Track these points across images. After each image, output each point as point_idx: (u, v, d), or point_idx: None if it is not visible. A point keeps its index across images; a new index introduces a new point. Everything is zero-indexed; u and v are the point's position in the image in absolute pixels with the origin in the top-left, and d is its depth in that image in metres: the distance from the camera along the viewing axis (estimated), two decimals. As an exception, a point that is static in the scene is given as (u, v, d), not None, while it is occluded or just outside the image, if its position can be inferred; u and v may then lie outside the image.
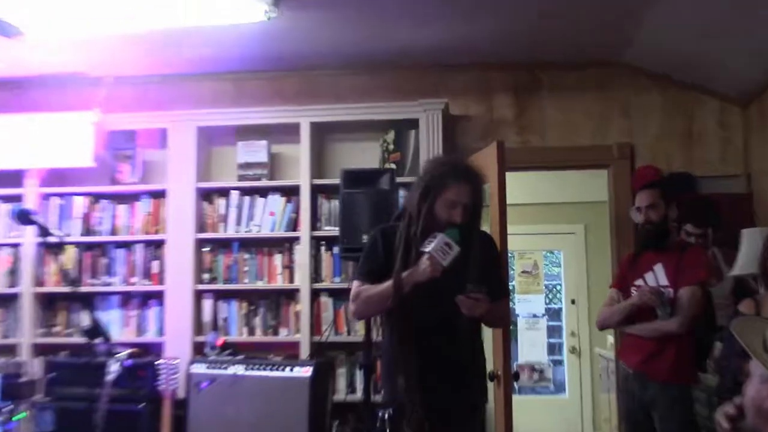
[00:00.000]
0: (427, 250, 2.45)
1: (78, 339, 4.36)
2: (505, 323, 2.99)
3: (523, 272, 7.41)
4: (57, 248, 4.52)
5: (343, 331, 4.32)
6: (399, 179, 4.14)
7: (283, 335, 4.40)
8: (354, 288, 2.63)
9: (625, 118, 4.54)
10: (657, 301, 3.29)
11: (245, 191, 4.50)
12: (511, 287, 7.27)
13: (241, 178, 4.52)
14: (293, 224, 4.43)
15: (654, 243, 3.46)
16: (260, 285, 4.43)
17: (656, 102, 4.52)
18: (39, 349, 4.45)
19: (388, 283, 2.51)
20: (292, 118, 4.45)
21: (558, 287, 7.70)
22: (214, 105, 4.70)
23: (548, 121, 4.59)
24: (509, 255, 7.31)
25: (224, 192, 4.51)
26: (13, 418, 3.50)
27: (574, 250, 7.20)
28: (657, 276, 3.42)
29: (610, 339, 5.03)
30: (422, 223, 2.52)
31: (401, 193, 4.21)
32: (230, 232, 4.47)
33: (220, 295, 4.48)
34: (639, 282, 3.47)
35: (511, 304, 7.22)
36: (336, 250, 4.29)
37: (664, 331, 3.30)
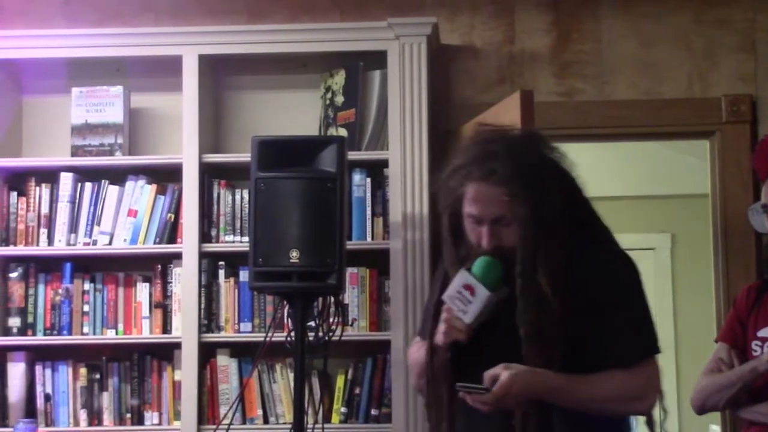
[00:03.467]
0: (444, 296, 2.55)
1: None
2: (634, 408, 2.72)
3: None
4: None
5: (257, 415, 4.34)
6: (353, 155, 4.15)
7: (152, 423, 4.39)
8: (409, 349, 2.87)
9: (746, 53, 4.55)
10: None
11: (85, 175, 4.51)
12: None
13: (79, 151, 4.50)
14: (170, 232, 4.43)
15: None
16: (111, 337, 4.44)
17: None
18: None
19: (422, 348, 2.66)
20: (167, 48, 4.44)
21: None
22: (25, 21, 4.66)
23: (610, 57, 4.60)
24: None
25: (48, 176, 4.51)
26: None
27: (652, 274, 7.18)
28: (798, 323, 3.44)
29: (716, 430, 5.04)
30: (450, 253, 2.63)
31: (356, 178, 4.27)
32: (58, 245, 4.47)
33: (40, 356, 4.48)
34: (766, 332, 3.42)
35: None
36: (244, 275, 4.31)
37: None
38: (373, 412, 4.25)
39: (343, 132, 4.37)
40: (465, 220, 2.57)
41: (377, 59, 4.37)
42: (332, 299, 3.92)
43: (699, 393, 3.49)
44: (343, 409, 4.25)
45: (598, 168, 6.62)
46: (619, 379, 2.54)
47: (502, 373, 2.45)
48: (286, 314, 3.99)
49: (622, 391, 2.57)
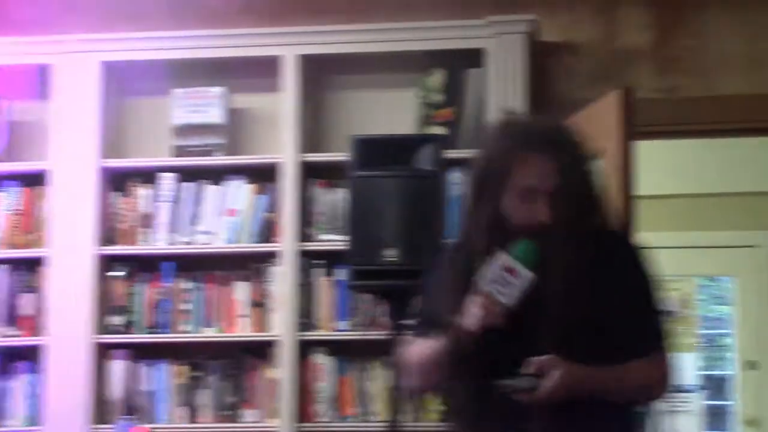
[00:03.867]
0: (478, 281, 2.52)
1: None
2: (652, 396, 2.85)
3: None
4: None
5: (353, 413, 4.40)
6: (451, 153, 4.15)
7: (249, 420, 4.47)
8: (405, 348, 2.78)
9: None
10: None
11: (186, 174, 4.57)
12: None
13: (180, 151, 4.59)
14: (268, 231, 4.49)
15: None
16: (210, 335, 4.51)
17: None
18: None
19: (441, 339, 2.61)
20: (267, 49, 4.52)
21: (725, 340, 7.61)
22: (132, 26, 4.73)
23: (715, 52, 4.57)
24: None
25: (149, 175, 4.59)
26: None
27: (755, 276, 7.19)
28: None
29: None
30: (482, 237, 2.62)
31: (454, 177, 4.26)
32: (159, 244, 4.55)
33: (141, 353, 4.55)
34: None
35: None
36: (341, 274, 4.36)
37: None
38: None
39: (440, 130, 4.38)
40: (512, 198, 2.56)
41: (476, 57, 4.38)
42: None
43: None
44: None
45: (700, 164, 6.63)
46: (642, 367, 2.61)
47: (551, 368, 2.45)
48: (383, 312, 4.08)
49: (645, 380, 2.65)
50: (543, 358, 2.48)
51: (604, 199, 2.72)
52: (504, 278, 2.48)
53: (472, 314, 2.51)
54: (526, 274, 2.48)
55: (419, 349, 2.69)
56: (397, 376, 2.88)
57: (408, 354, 2.73)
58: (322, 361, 4.40)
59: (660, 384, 2.75)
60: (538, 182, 2.55)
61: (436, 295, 2.72)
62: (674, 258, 7.13)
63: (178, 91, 4.60)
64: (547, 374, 2.47)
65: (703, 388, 7.44)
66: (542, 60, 4.57)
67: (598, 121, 3.91)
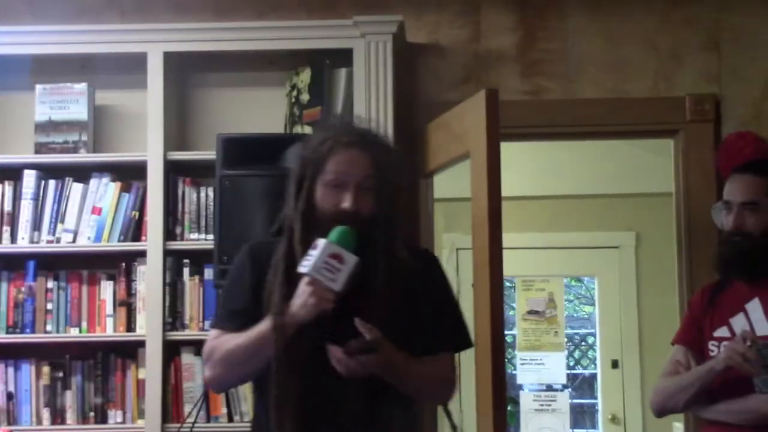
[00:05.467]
0: (304, 270, 2.63)
1: None
2: (440, 394, 3.09)
3: (529, 313, 7.50)
4: None
5: (221, 413, 4.39)
6: None
7: (115, 422, 4.43)
8: (209, 341, 2.85)
9: (710, 52, 4.64)
10: (754, 362, 3.29)
11: (48, 172, 4.54)
12: (509, 338, 7.40)
13: (43, 148, 4.54)
14: (135, 230, 4.48)
15: (747, 267, 3.51)
16: (75, 335, 4.47)
17: (765, 21, 4.64)
18: None
19: (259, 328, 2.72)
20: (132, 45, 4.49)
21: (590, 340, 7.79)
22: None
23: (576, 56, 4.66)
24: (506, 283, 7.38)
25: (11, 172, 4.54)
26: None
27: (617, 276, 7.37)
28: (752, 320, 3.46)
29: (679, 427, 5.09)
30: (301, 227, 2.77)
31: None
32: (21, 242, 4.50)
33: (3, 354, 4.50)
34: (722, 332, 3.51)
35: (510, 367, 7.40)
36: (209, 273, 4.36)
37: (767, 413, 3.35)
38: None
39: (308, 130, 4.36)
40: (323, 188, 2.75)
41: (343, 57, 4.39)
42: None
43: (658, 395, 3.55)
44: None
45: (563, 166, 6.73)
46: (439, 364, 2.86)
47: (381, 338, 2.62)
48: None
49: (436, 375, 2.88)
50: (369, 325, 2.63)
51: (403, 210, 2.98)
52: (330, 264, 2.59)
53: (304, 302, 2.64)
54: (350, 259, 2.60)
55: (236, 341, 2.77)
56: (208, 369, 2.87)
57: (222, 346, 2.79)
58: (190, 361, 4.39)
59: (445, 386, 2.99)
60: (346, 171, 2.75)
61: (256, 287, 2.81)
62: (540, 258, 7.30)
63: (41, 87, 4.55)
64: (379, 341, 2.63)
65: (569, 387, 7.60)
66: (409, 61, 4.62)
67: (464, 122, 3.99)
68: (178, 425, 4.28)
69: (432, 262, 3.03)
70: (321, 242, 2.61)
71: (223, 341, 2.79)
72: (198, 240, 4.41)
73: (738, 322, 3.48)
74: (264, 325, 2.71)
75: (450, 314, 2.97)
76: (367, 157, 2.78)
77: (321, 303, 2.62)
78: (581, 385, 7.80)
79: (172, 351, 4.39)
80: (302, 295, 2.64)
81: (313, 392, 2.72)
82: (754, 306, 3.48)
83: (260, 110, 4.60)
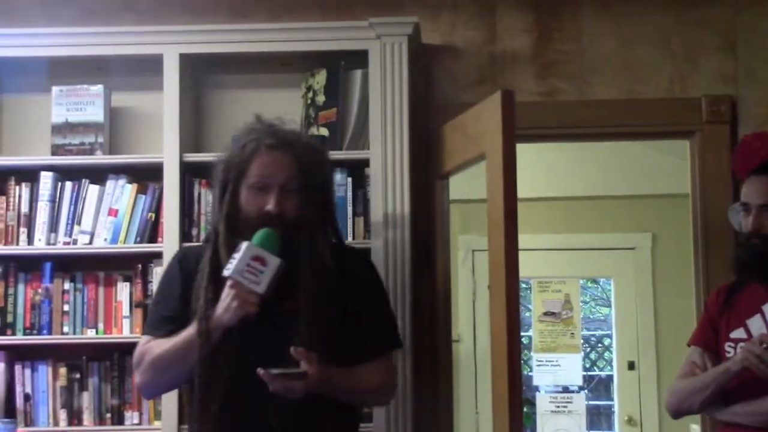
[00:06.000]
0: (227, 273, 2.66)
1: None
2: (380, 399, 3.21)
3: (545, 314, 7.50)
4: None
5: None
6: (335, 154, 4.17)
7: (132, 423, 4.46)
8: (138, 347, 2.90)
9: (726, 53, 4.66)
10: (769, 364, 3.34)
11: (65, 173, 4.54)
12: (525, 340, 7.41)
13: (59, 150, 4.55)
14: (151, 231, 4.49)
15: (765, 269, 3.53)
16: (92, 337, 4.48)
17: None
18: None
19: (185, 333, 2.76)
20: (148, 47, 4.50)
21: (606, 341, 7.77)
22: (9, 22, 4.70)
23: (591, 57, 4.68)
24: (522, 284, 7.37)
25: (27, 175, 4.55)
26: None
27: (633, 277, 7.38)
28: (769, 322, 3.48)
29: (696, 429, 5.17)
30: (226, 231, 2.81)
31: (337, 178, 4.33)
32: (38, 244, 4.51)
33: (19, 355, 4.51)
34: (738, 333, 3.53)
35: (526, 369, 7.41)
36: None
37: (783, 416, 3.37)
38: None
39: (324, 131, 4.41)
40: (247, 191, 2.79)
41: (358, 59, 4.40)
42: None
43: (674, 396, 3.58)
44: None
45: (579, 168, 6.75)
46: (376, 370, 2.91)
47: (313, 360, 2.66)
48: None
49: (376, 384, 2.94)
50: (304, 350, 2.67)
51: (334, 211, 3.01)
52: (253, 267, 2.62)
53: (227, 306, 2.68)
54: (273, 261, 2.63)
55: (164, 346, 2.83)
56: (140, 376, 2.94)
57: (151, 352, 2.84)
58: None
59: (387, 389, 3.07)
60: (270, 174, 2.80)
61: (185, 293, 2.88)
62: (556, 260, 7.30)
63: (57, 89, 4.57)
64: (308, 364, 2.67)
65: (586, 388, 7.59)
66: (425, 62, 4.64)
67: (480, 123, 4.00)
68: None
69: (361, 262, 3.07)
70: (244, 245, 2.63)
71: (152, 347, 2.84)
72: (214, 241, 4.43)
73: (755, 324, 3.49)
74: (190, 330, 2.75)
75: (381, 316, 3.01)
76: (290, 158, 2.82)
77: (244, 306, 2.65)
78: (597, 386, 7.80)
79: None
80: (226, 299, 2.68)
81: (239, 397, 2.74)
82: (771, 308, 3.47)
83: (275, 112, 4.39)
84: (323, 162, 2.96)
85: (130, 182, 4.50)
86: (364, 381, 2.88)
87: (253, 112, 3.13)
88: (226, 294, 2.69)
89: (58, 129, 4.55)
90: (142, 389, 2.95)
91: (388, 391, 3.11)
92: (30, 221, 4.50)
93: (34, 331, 4.47)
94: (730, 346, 3.51)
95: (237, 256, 2.64)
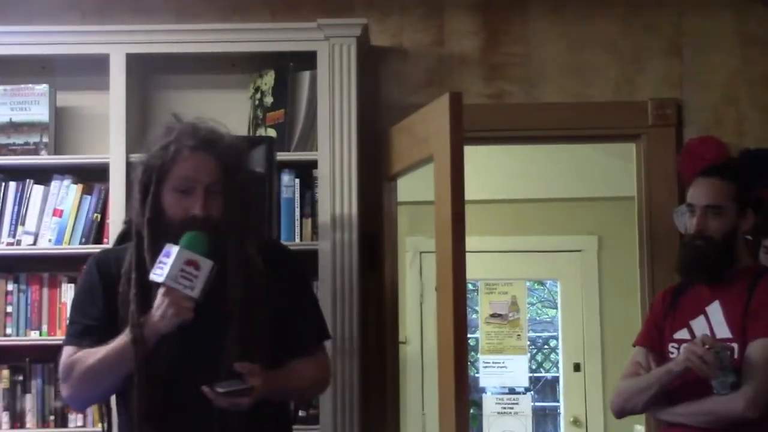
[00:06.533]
0: (159, 279, 2.58)
1: None
2: (318, 391, 3.24)
3: (492, 316, 7.52)
4: None
5: None
6: (282, 156, 4.21)
7: (76, 426, 4.44)
8: (64, 359, 2.80)
9: (672, 57, 4.71)
10: (711, 365, 3.33)
11: (9, 173, 4.52)
12: (472, 341, 7.43)
13: (2, 150, 4.53)
14: (97, 232, 4.46)
15: (708, 270, 3.55)
16: (35, 338, 4.46)
17: (726, 27, 4.71)
18: None
19: (118, 342, 2.69)
20: (94, 46, 4.48)
21: (552, 343, 7.81)
22: None
23: (539, 60, 4.70)
24: (469, 286, 7.38)
25: None
26: None
27: (579, 279, 7.41)
28: (712, 323, 3.51)
29: (640, 430, 5.17)
30: (150, 235, 2.74)
31: (285, 179, 4.33)
32: None
33: None
34: (682, 334, 3.55)
35: (473, 370, 7.42)
36: None
37: (725, 415, 3.38)
38: (301, 413, 4.19)
39: (272, 133, 4.40)
40: (170, 194, 2.74)
41: (307, 60, 4.41)
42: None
43: (618, 397, 3.57)
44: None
45: (527, 170, 6.76)
46: (309, 367, 2.88)
47: (256, 373, 2.63)
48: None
49: (315, 378, 2.94)
50: (248, 364, 2.63)
51: (261, 208, 3.02)
52: (186, 272, 2.56)
53: (163, 314, 2.62)
54: (206, 264, 2.57)
55: (95, 356, 2.73)
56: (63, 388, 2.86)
57: (80, 363, 2.75)
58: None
59: (324, 381, 3.08)
60: (194, 176, 2.72)
61: (107, 300, 2.79)
62: (503, 262, 7.32)
63: (1, 88, 4.54)
64: (253, 378, 2.63)
65: (532, 390, 7.61)
66: (373, 64, 4.64)
67: (428, 125, 4.02)
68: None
69: (285, 256, 3.03)
70: (174, 249, 2.58)
71: (80, 358, 2.74)
72: (161, 243, 4.41)
73: (698, 325, 3.52)
74: (122, 339, 2.67)
75: (309, 308, 2.98)
76: (213, 159, 2.75)
77: (181, 312, 2.61)
78: (543, 388, 7.83)
79: None
80: (161, 306, 2.62)
81: (179, 404, 2.70)
82: (714, 309, 3.51)
83: (223, 113, 4.33)
84: (245, 160, 2.93)
85: (75, 183, 4.47)
86: (303, 377, 2.86)
87: (171, 112, 3.03)
88: (161, 301, 2.63)
89: (2, 128, 4.52)
90: (73, 402, 2.91)
91: (325, 384, 3.12)
92: (-29, 222, 4.45)
93: (-24, 334, 4.41)
94: (673, 347, 3.54)
95: (167, 260, 2.58)
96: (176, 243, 2.61)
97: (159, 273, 2.57)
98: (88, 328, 2.79)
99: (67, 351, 2.80)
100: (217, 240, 2.69)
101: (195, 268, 2.56)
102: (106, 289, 2.79)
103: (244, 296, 2.71)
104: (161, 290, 2.60)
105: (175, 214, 2.71)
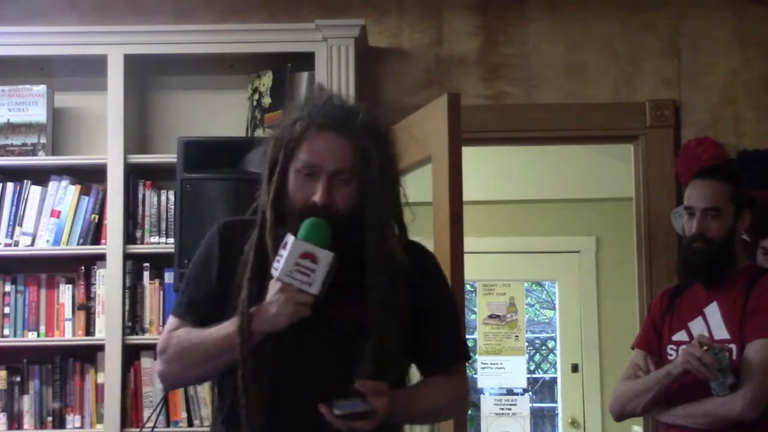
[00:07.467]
0: (275, 273, 2.34)
1: None
2: (458, 412, 2.85)
3: (490, 317, 7.53)
4: None
5: (181, 418, 4.39)
6: None
7: (74, 427, 4.42)
8: (165, 331, 2.54)
9: (670, 58, 4.73)
10: (710, 366, 3.33)
11: (6, 174, 4.53)
12: (470, 342, 7.38)
13: (1, 150, 4.53)
14: (95, 233, 4.47)
15: (710, 272, 3.56)
16: (33, 339, 4.46)
17: (727, 27, 4.73)
18: None
19: (223, 329, 2.42)
20: (92, 47, 4.48)
21: (550, 344, 7.80)
22: None
23: (537, 61, 4.72)
24: (467, 287, 7.37)
25: None
26: None
27: (577, 280, 7.41)
28: (710, 324, 3.51)
29: (637, 431, 5.21)
30: (273, 218, 2.44)
31: None
32: None
33: None
34: (680, 336, 3.56)
35: (471, 371, 7.43)
36: (169, 277, 4.37)
37: (724, 416, 3.38)
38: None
39: (270, 133, 4.49)
40: (295, 176, 2.42)
41: (305, 61, 4.41)
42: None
43: (617, 399, 3.57)
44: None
45: (524, 171, 6.77)
46: (449, 383, 2.52)
47: (380, 393, 2.31)
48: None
49: (449, 398, 2.55)
50: (372, 383, 2.32)
51: (400, 202, 2.60)
52: (302, 266, 2.31)
53: (279, 311, 2.35)
54: (324, 256, 2.31)
55: (196, 337, 2.46)
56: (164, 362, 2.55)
57: (179, 340, 2.48)
58: (149, 365, 4.35)
59: (463, 404, 2.69)
60: (318, 160, 2.41)
61: (222, 273, 2.49)
62: (501, 263, 7.31)
63: (0, 89, 4.54)
64: (378, 400, 2.31)
65: (530, 391, 7.62)
66: (371, 65, 4.65)
67: (426, 126, 4.00)
68: (137, 430, 4.28)
69: (427, 258, 2.65)
70: (290, 240, 2.31)
71: (180, 335, 2.48)
72: (158, 244, 4.41)
73: (696, 326, 3.53)
74: (229, 327, 2.40)
75: (451, 322, 2.62)
76: (344, 141, 2.41)
77: (298, 310, 2.32)
78: (541, 389, 7.83)
79: (131, 355, 4.38)
80: (275, 303, 2.34)
81: (284, 416, 2.42)
82: (713, 310, 3.52)
83: (221, 114, 4.61)
84: (387, 144, 2.51)
85: (73, 183, 4.48)
86: (434, 401, 2.50)
87: (318, 82, 2.72)
88: (275, 296, 2.34)
89: (0, 129, 4.52)
90: (166, 380, 2.56)
91: (463, 407, 2.73)
92: (-30, 222, 4.46)
93: (-27, 334, 4.42)
94: (672, 349, 3.54)
95: (284, 253, 2.30)
96: (296, 232, 2.33)
97: (275, 267, 2.32)
98: (195, 303, 2.51)
99: (170, 323, 2.54)
100: (345, 232, 2.37)
101: (312, 261, 2.28)
102: (224, 262, 2.49)
103: (385, 305, 2.39)
104: (276, 285, 2.32)
105: (297, 199, 2.40)
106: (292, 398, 2.41)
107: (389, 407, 2.33)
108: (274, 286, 2.34)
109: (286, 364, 2.41)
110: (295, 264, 2.30)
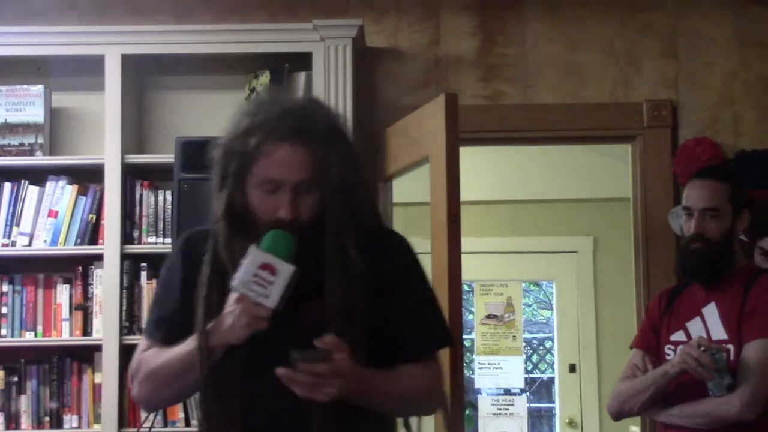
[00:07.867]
0: (233, 283, 2.28)
1: None
2: (434, 404, 2.67)
3: (488, 317, 7.53)
4: None
5: (178, 418, 4.40)
6: None
7: (71, 427, 4.42)
8: (136, 354, 2.51)
9: (668, 58, 4.74)
10: (707, 367, 3.33)
11: (4, 174, 4.53)
12: (467, 342, 7.44)
13: None
14: (92, 233, 4.47)
15: (709, 272, 3.57)
16: (30, 339, 4.46)
17: (726, 27, 4.74)
18: None
19: (184, 348, 2.38)
20: (90, 47, 4.48)
21: (548, 344, 7.80)
22: None
23: (535, 61, 4.72)
24: (465, 287, 7.38)
25: None
26: None
27: (575, 280, 7.41)
28: (708, 324, 3.52)
29: (635, 431, 5.17)
30: (225, 231, 2.38)
31: None
32: None
33: None
34: (678, 336, 3.57)
35: (468, 371, 7.43)
36: None
37: (721, 416, 3.38)
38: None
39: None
40: (254, 191, 2.34)
41: (302, 61, 4.42)
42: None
43: (615, 399, 3.59)
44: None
45: (522, 171, 6.77)
46: (420, 373, 2.44)
47: (341, 346, 2.24)
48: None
49: (423, 388, 2.47)
50: (333, 338, 2.25)
51: (369, 194, 2.55)
52: (261, 277, 2.24)
53: (233, 324, 2.29)
54: (285, 269, 2.25)
55: (161, 358, 2.42)
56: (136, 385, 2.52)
57: (147, 362, 2.45)
58: (147, 365, 4.36)
59: (438, 395, 2.60)
60: (279, 176, 2.32)
61: (177, 289, 2.46)
62: (498, 263, 7.32)
63: (-4, 88, 4.54)
64: (338, 353, 2.24)
65: (527, 391, 7.62)
66: (369, 65, 4.66)
67: (423, 126, 4.02)
68: (135, 430, 4.28)
69: (395, 248, 2.54)
70: (251, 250, 2.26)
71: (148, 357, 2.44)
72: (156, 244, 4.41)
73: (694, 327, 3.53)
74: (188, 345, 2.35)
75: (424, 309, 2.52)
76: (303, 150, 2.32)
77: (254, 323, 2.27)
78: (539, 389, 7.83)
79: (129, 355, 4.17)
80: (231, 314, 2.29)
81: (266, 420, 2.37)
82: (711, 310, 3.53)
83: (219, 113, 4.32)
84: (345, 146, 2.42)
85: (70, 183, 4.48)
86: (403, 385, 2.41)
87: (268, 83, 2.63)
88: (231, 309, 2.28)
89: (-3, 129, 4.52)
90: (141, 403, 2.54)
91: (438, 398, 2.60)
92: (-33, 222, 4.46)
93: (-30, 334, 4.42)
94: (670, 349, 3.55)
95: (244, 263, 2.25)
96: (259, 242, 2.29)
97: (234, 277, 2.27)
98: (161, 321, 2.47)
99: (140, 345, 2.50)
100: (310, 240, 2.32)
101: (271, 273, 2.23)
102: (187, 276, 2.43)
103: (342, 305, 2.33)
104: (232, 296, 2.28)
105: (261, 214, 2.33)
106: (264, 400, 2.36)
107: (351, 368, 2.25)
108: (231, 297, 2.29)
109: (248, 380, 2.36)
110: (253, 275, 2.25)
